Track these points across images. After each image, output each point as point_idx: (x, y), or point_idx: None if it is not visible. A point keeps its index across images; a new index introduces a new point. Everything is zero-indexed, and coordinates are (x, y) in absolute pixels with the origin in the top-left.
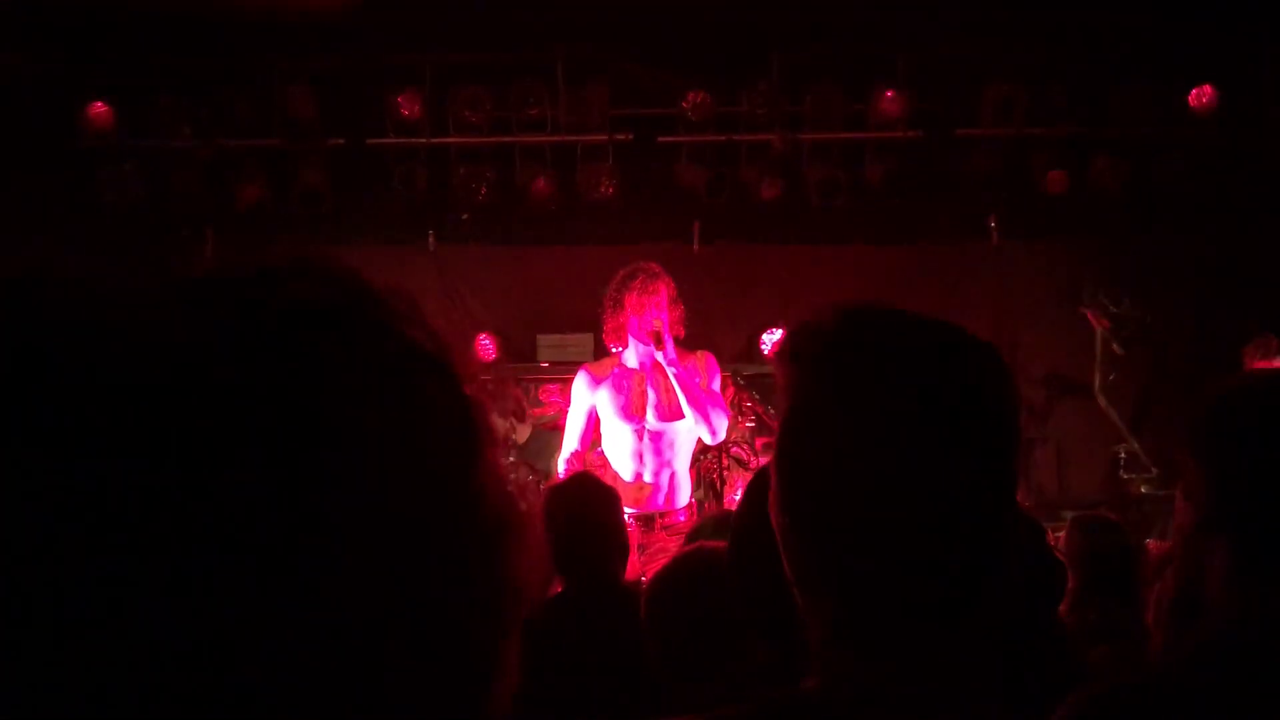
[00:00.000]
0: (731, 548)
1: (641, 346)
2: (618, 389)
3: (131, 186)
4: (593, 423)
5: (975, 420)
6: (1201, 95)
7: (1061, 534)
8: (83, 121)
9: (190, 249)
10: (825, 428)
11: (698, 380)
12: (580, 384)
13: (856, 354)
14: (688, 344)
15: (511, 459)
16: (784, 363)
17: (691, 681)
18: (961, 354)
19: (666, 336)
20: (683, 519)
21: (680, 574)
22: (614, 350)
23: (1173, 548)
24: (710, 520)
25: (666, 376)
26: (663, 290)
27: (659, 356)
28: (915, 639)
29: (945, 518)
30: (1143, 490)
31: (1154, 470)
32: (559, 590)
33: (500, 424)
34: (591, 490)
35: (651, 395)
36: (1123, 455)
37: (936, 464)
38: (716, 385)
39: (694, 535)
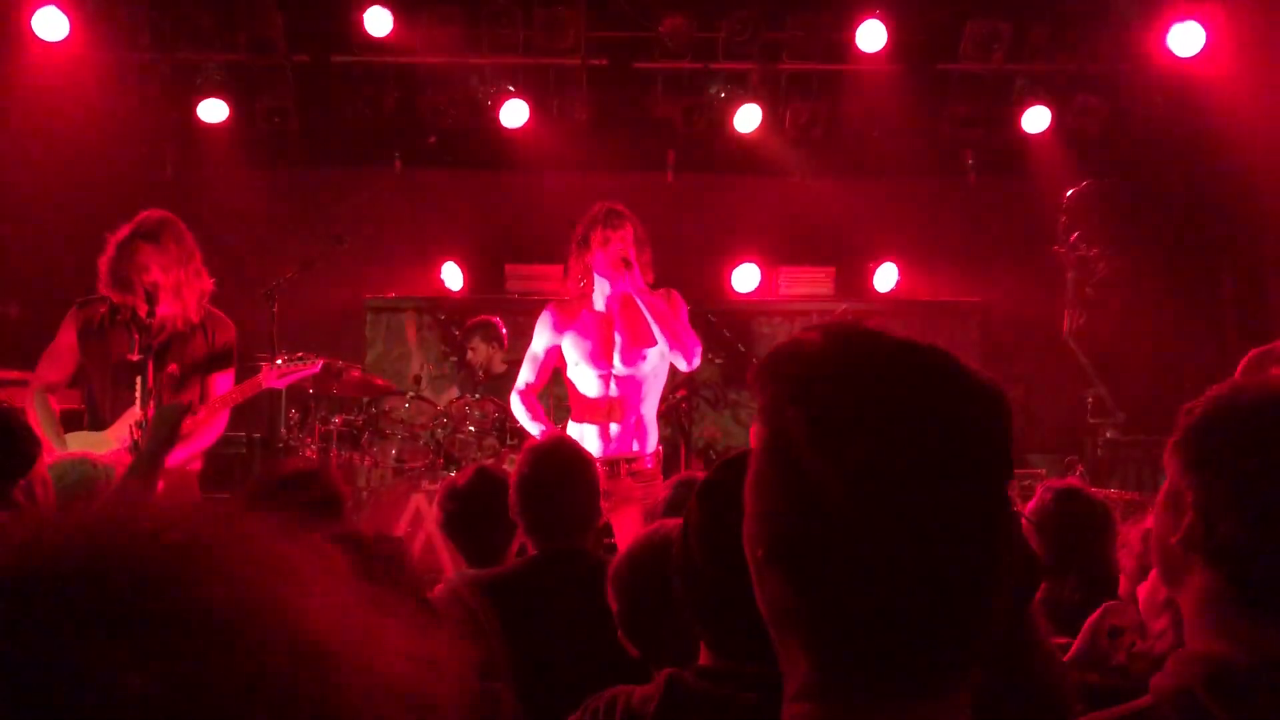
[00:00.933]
0: (678, 559)
1: (608, 285)
2: (584, 334)
3: (89, 98)
4: (551, 360)
5: (966, 460)
6: (1186, 36)
7: (1027, 481)
8: (34, 27)
9: (149, 165)
10: (803, 461)
11: (664, 304)
12: (545, 322)
13: (841, 384)
14: (657, 281)
15: (477, 395)
16: (764, 385)
17: (659, 662)
18: (955, 389)
19: (634, 264)
20: (650, 465)
21: (645, 555)
22: (580, 288)
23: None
24: (681, 486)
25: (633, 318)
26: (629, 228)
27: (628, 289)
28: (893, 710)
29: (932, 569)
30: (1109, 435)
31: (1120, 415)
32: (530, 554)
33: (482, 349)
34: (568, 457)
35: (618, 339)
36: (1090, 399)
37: (922, 508)
38: (684, 319)
39: (662, 507)
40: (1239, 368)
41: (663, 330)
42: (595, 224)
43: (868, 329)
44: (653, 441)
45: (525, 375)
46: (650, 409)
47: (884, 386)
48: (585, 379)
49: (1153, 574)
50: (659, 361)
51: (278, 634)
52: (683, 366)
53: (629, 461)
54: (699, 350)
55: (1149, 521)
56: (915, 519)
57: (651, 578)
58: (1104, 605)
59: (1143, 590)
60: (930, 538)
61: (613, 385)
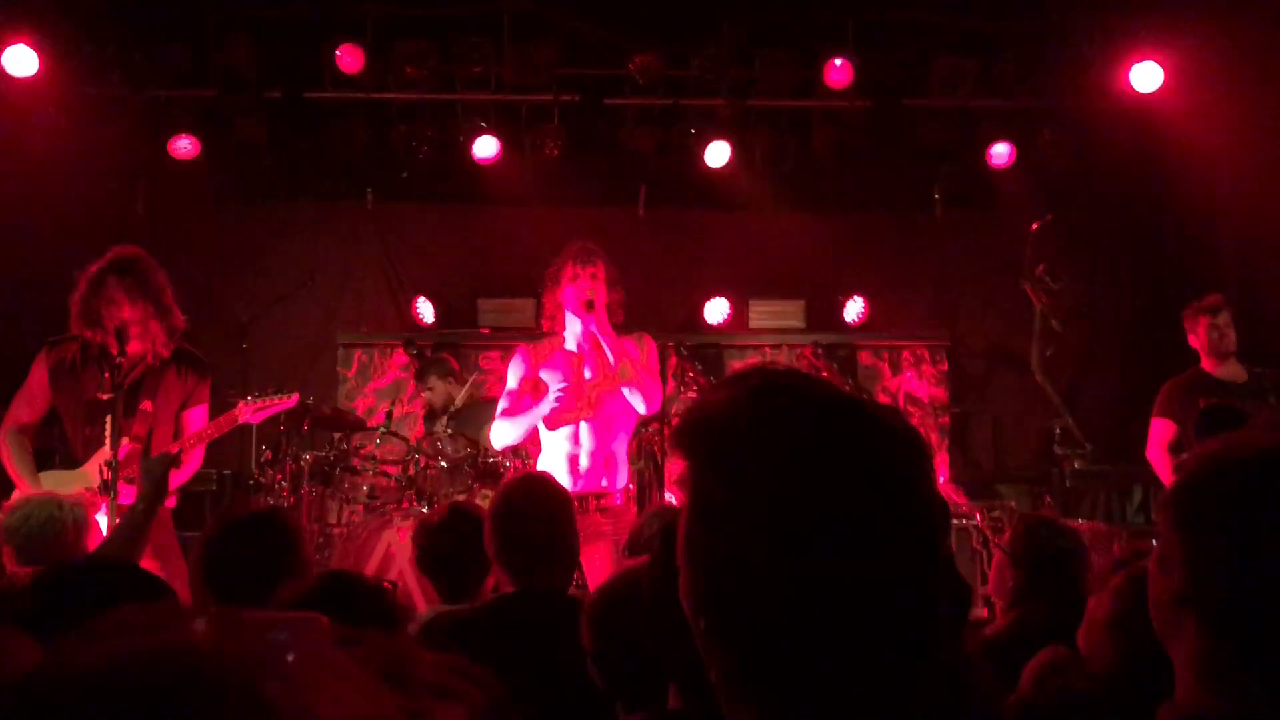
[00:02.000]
0: (649, 600)
1: (579, 324)
2: (555, 371)
3: (61, 136)
4: (527, 391)
5: (888, 517)
6: (1145, 74)
7: (996, 513)
8: (4, 64)
9: (121, 202)
10: (726, 527)
11: (631, 351)
12: (517, 362)
13: (752, 448)
14: (629, 319)
15: (448, 430)
16: (680, 453)
17: (636, 704)
18: (868, 442)
19: (599, 304)
20: (619, 501)
21: (620, 593)
22: (551, 325)
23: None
24: (654, 518)
25: (604, 357)
26: (599, 265)
27: (591, 327)
28: None
29: (867, 628)
30: (1075, 466)
31: (1087, 446)
32: (504, 592)
33: (440, 387)
34: (547, 494)
35: (589, 378)
36: (1057, 430)
37: (849, 568)
38: (654, 364)
39: (635, 538)
40: (1157, 400)
41: (635, 386)
42: (566, 260)
43: (774, 376)
44: (623, 477)
45: (502, 405)
46: (620, 446)
47: (796, 446)
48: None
49: (1104, 603)
50: (628, 399)
51: None
52: (641, 410)
53: (598, 498)
54: (659, 398)
55: (1115, 550)
56: (843, 574)
57: (626, 615)
58: (1050, 650)
59: (1092, 609)
60: (861, 597)
61: (582, 423)
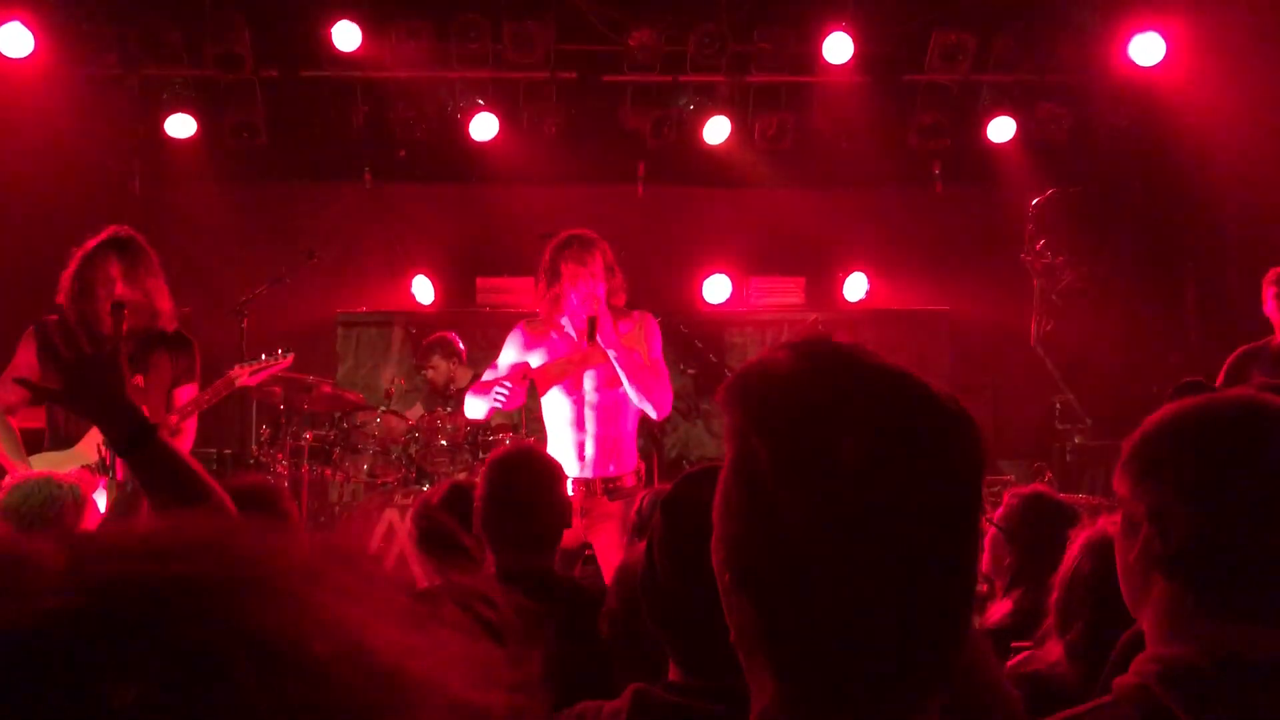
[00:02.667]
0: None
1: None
2: (555, 357)
3: (56, 114)
4: (513, 374)
5: (934, 492)
6: (1146, 47)
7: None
8: (2, 44)
9: (117, 182)
10: (768, 489)
11: (638, 355)
12: (515, 339)
13: (807, 412)
14: (630, 297)
15: (449, 409)
16: (730, 408)
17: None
18: (924, 417)
19: (604, 321)
20: (629, 483)
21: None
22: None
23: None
24: (654, 501)
25: (606, 327)
26: (599, 259)
27: (599, 341)
28: None
29: (899, 599)
30: (1076, 440)
31: (1087, 421)
32: (490, 566)
33: (443, 366)
34: (535, 465)
35: (593, 365)
36: (1058, 405)
37: (888, 540)
38: (658, 349)
39: (641, 521)
40: (1223, 368)
41: (632, 385)
42: (563, 255)
43: (839, 349)
44: (631, 460)
45: (485, 376)
46: (627, 429)
47: (850, 415)
48: (558, 403)
49: (1071, 554)
50: (635, 399)
51: (355, 661)
52: (653, 415)
53: (606, 482)
54: (669, 400)
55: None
56: (881, 550)
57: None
58: (1026, 652)
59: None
60: (896, 569)
61: (586, 410)
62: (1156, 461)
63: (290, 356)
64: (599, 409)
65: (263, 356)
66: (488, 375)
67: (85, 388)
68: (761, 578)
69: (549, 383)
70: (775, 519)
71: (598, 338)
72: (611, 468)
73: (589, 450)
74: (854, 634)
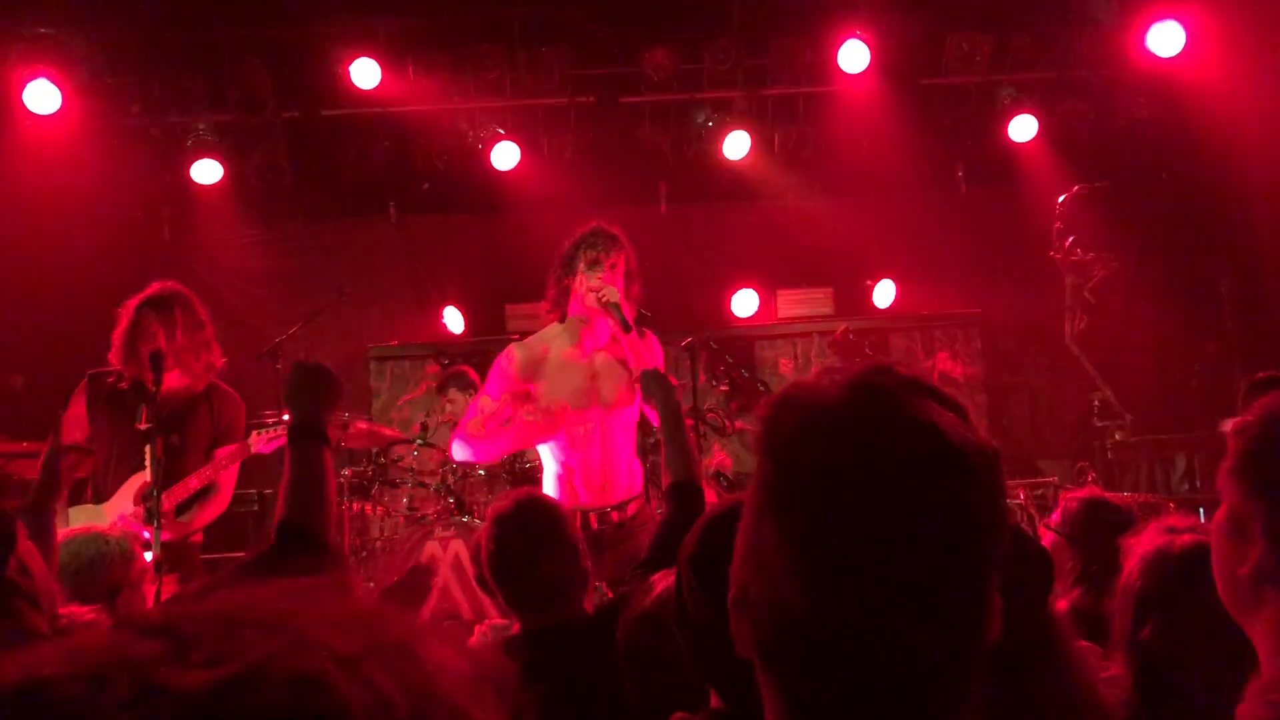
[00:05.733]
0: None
1: (587, 320)
2: (560, 379)
3: (85, 167)
4: (511, 407)
5: (929, 528)
6: (1166, 37)
7: (1040, 491)
8: (25, 100)
9: (146, 230)
10: (768, 505)
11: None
12: (510, 366)
13: (813, 433)
14: (657, 315)
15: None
16: (758, 424)
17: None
18: (935, 457)
19: (627, 311)
20: (638, 506)
21: (658, 612)
22: (555, 318)
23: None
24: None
25: (613, 358)
26: (622, 263)
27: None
28: None
29: (907, 648)
30: (1117, 437)
31: (1127, 417)
32: (516, 630)
33: (460, 400)
34: (541, 514)
35: (605, 375)
36: (1096, 403)
37: (874, 571)
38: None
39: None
40: None
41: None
42: (582, 246)
43: (880, 382)
44: (638, 484)
45: (467, 419)
46: (631, 449)
47: (857, 448)
48: (563, 437)
49: (1127, 568)
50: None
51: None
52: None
53: (619, 509)
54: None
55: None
56: (863, 584)
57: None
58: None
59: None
60: (880, 605)
61: (600, 428)
62: (1277, 475)
63: None
64: (612, 427)
65: (284, 419)
66: (469, 418)
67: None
68: (751, 595)
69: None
70: (765, 537)
71: (630, 324)
72: (628, 489)
73: (601, 476)
74: (837, 665)
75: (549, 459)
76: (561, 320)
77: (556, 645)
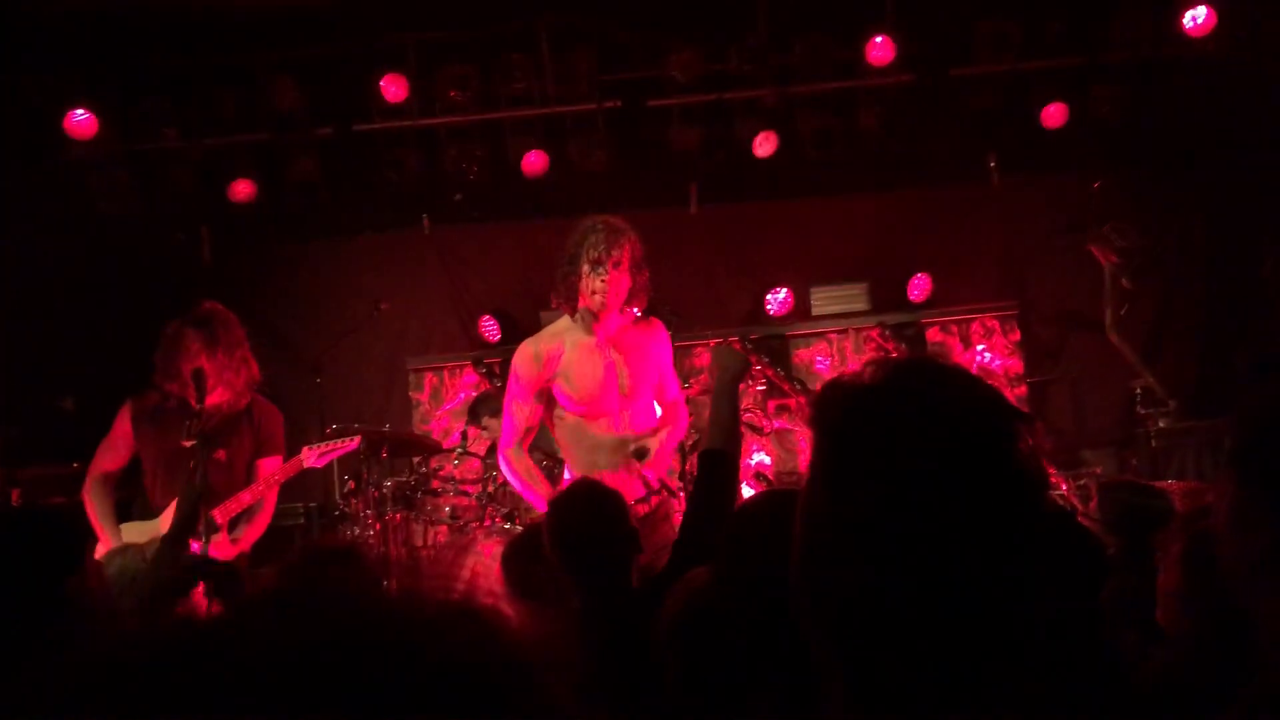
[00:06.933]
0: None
1: (597, 315)
2: (582, 368)
3: (124, 192)
4: (542, 406)
5: (969, 509)
6: (1197, 18)
7: (1084, 481)
8: (67, 129)
9: (187, 251)
10: (818, 483)
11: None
12: (528, 364)
13: (864, 414)
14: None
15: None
16: (811, 409)
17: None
18: (977, 437)
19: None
20: (662, 497)
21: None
22: (562, 312)
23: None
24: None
25: (632, 344)
26: (626, 254)
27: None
28: None
29: (953, 619)
30: (1161, 424)
31: (1170, 404)
32: (576, 604)
33: (493, 425)
34: (601, 498)
35: (623, 372)
36: (1138, 390)
37: (948, 563)
38: (669, 361)
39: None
40: None
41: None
42: (585, 244)
43: (924, 366)
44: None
45: (517, 427)
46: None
47: (904, 425)
48: (590, 421)
49: (1172, 573)
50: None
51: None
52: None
53: (642, 503)
54: (685, 420)
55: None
56: (902, 557)
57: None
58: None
59: (1162, 585)
60: (917, 579)
61: (626, 417)
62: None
63: (357, 440)
64: (638, 413)
65: (332, 437)
66: (517, 422)
67: None
68: (812, 571)
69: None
70: (821, 510)
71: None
72: (657, 481)
73: (636, 465)
74: (912, 648)
75: (574, 456)
76: (573, 314)
77: (613, 618)
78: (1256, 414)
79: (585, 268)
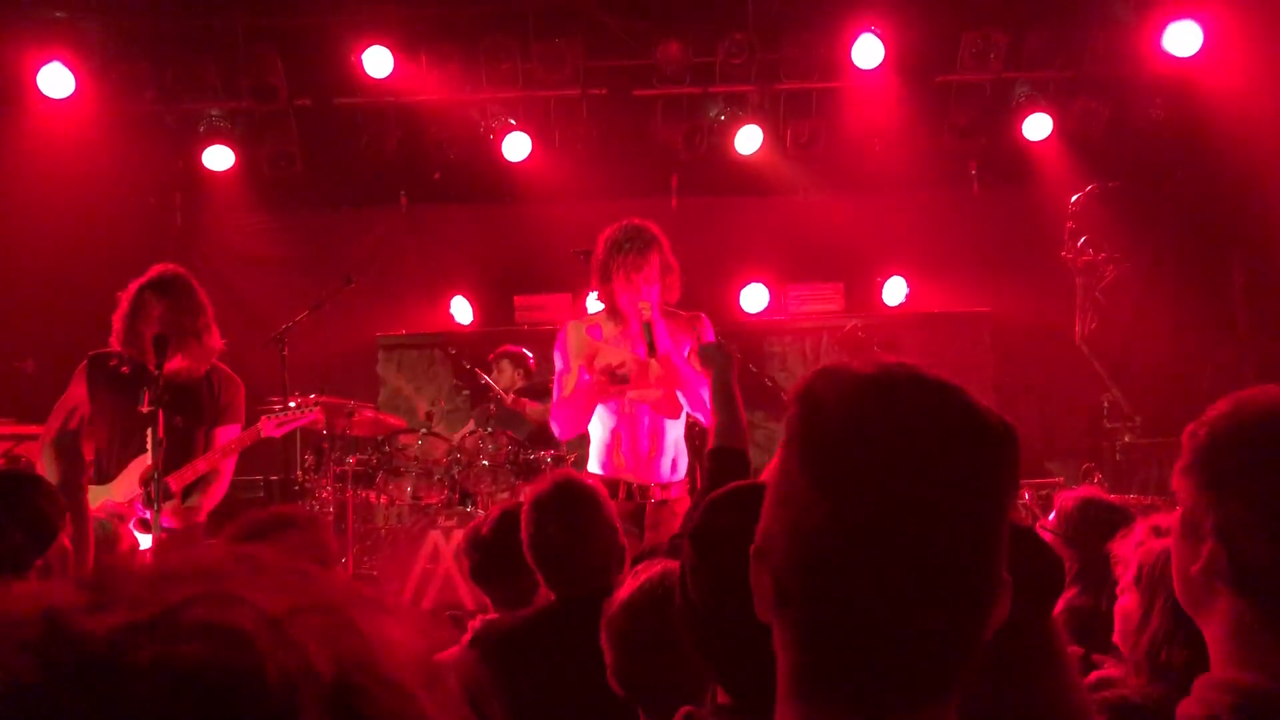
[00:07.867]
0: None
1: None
2: (619, 354)
3: (96, 152)
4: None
5: (948, 499)
6: (1183, 37)
7: (1045, 491)
8: (40, 85)
9: (158, 215)
10: (794, 473)
11: (687, 354)
12: (575, 337)
13: (842, 407)
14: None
15: (489, 429)
16: (791, 403)
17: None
18: (956, 430)
19: (659, 331)
20: (675, 494)
21: (645, 601)
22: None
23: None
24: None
25: (661, 335)
26: (654, 260)
27: (659, 351)
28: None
29: (893, 597)
30: (1126, 439)
31: (1136, 419)
32: (550, 602)
33: (509, 372)
34: (578, 494)
35: (651, 363)
36: (1106, 404)
37: (895, 539)
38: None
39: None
40: None
41: (687, 395)
42: (617, 257)
43: (902, 366)
44: (683, 467)
45: (556, 392)
46: (680, 431)
47: (881, 419)
48: (613, 403)
49: (1130, 595)
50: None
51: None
52: (703, 422)
53: (662, 487)
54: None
55: (1139, 532)
56: (884, 550)
57: (648, 625)
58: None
59: (1119, 608)
60: (897, 570)
61: (647, 406)
62: (1224, 472)
63: (318, 410)
64: (660, 405)
65: (291, 405)
66: (557, 391)
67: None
68: (775, 544)
69: (613, 394)
70: (795, 484)
71: (657, 348)
72: (668, 473)
73: (646, 448)
74: (859, 626)
75: (597, 425)
76: (611, 311)
77: (588, 616)
78: (1204, 429)
79: (618, 282)
